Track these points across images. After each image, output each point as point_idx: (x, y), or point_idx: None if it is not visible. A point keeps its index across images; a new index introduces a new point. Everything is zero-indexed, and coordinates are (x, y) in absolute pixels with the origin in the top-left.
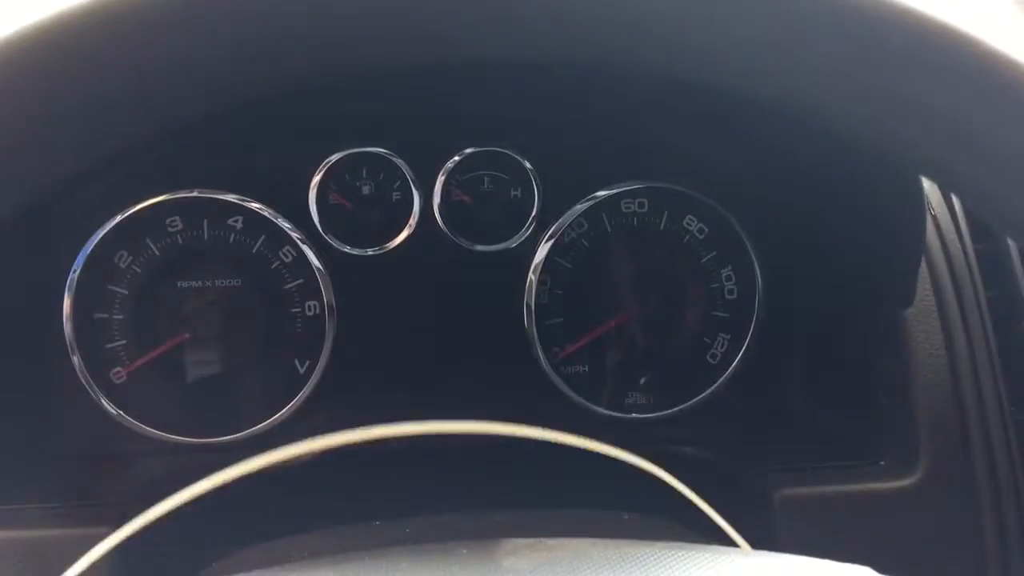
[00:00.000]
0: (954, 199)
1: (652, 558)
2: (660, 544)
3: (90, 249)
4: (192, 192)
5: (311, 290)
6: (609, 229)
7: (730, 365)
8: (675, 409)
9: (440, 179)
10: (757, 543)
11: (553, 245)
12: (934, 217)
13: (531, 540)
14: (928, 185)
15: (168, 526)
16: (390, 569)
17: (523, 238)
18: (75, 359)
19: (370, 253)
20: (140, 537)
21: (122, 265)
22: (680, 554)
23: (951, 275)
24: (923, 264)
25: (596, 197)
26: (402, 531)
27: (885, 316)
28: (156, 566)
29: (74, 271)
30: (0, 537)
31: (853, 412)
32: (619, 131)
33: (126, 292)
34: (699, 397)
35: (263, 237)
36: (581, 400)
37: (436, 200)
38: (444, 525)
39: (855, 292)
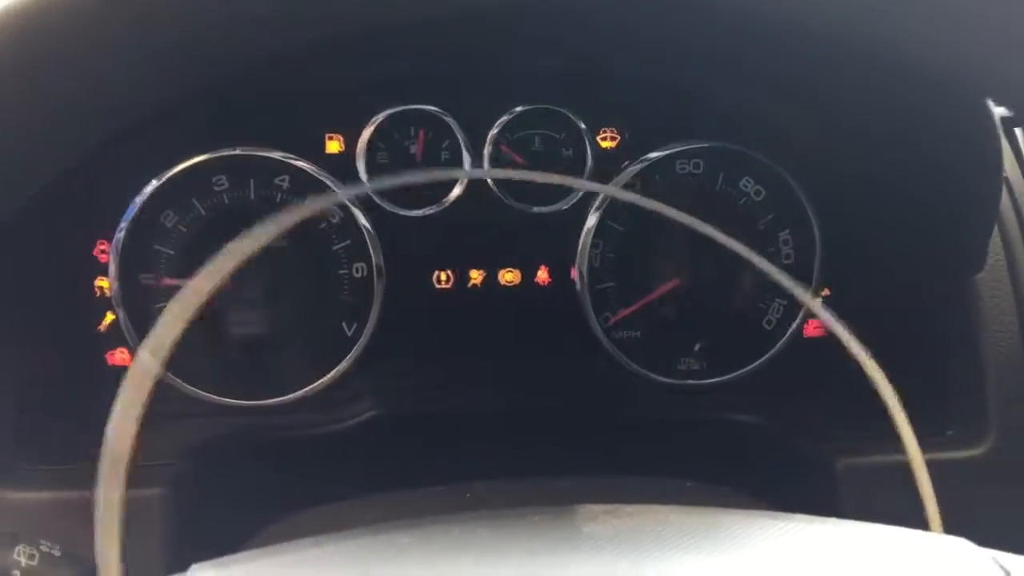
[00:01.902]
0: None
1: (738, 527)
2: (744, 512)
3: (136, 208)
4: (236, 150)
5: (359, 251)
6: (663, 191)
7: (786, 332)
8: (729, 376)
9: (490, 138)
10: (820, 512)
11: (606, 208)
12: (1006, 179)
13: (609, 506)
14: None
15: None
16: (465, 536)
17: (575, 200)
18: (121, 319)
19: (419, 214)
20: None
21: (168, 225)
22: (767, 522)
23: None
24: (995, 228)
25: (649, 158)
26: (463, 496)
27: (954, 281)
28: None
29: (120, 230)
30: (50, 497)
31: (919, 380)
32: (674, 89)
33: (172, 252)
34: (754, 364)
35: (310, 197)
36: (633, 366)
37: (486, 160)
38: (505, 492)
39: (922, 256)
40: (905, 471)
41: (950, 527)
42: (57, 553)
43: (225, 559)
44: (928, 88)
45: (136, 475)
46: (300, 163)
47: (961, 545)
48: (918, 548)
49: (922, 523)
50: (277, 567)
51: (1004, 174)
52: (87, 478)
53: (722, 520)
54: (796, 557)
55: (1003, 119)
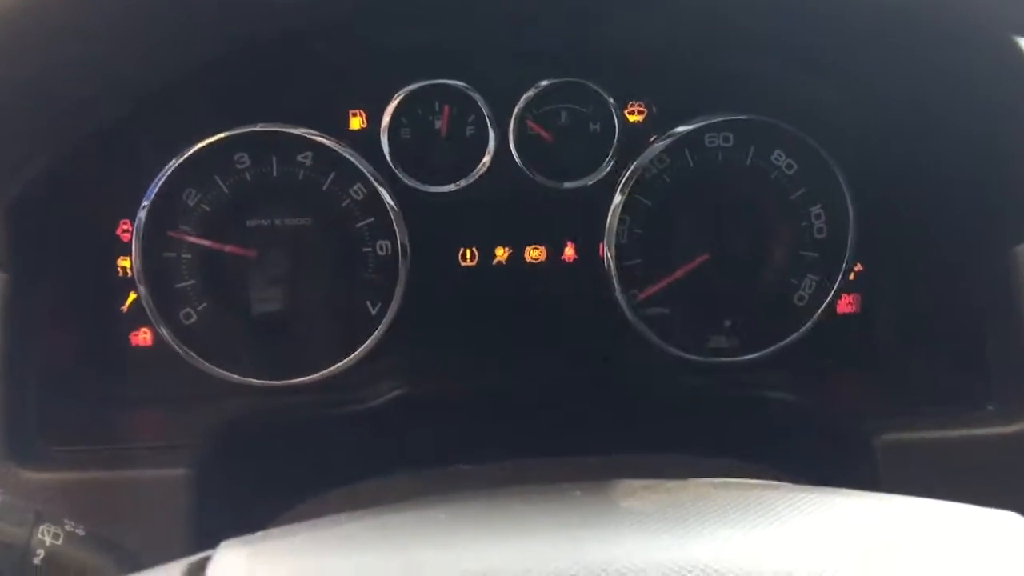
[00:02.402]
0: None
1: (782, 501)
2: (787, 487)
3: (158, 186)
4: (257, 126)
5: (383, 229)
6: (692, 165)
7: (819, 308)
8: (761, 353)
9: (516, 113)
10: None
11: (633, 182)
12: None
13: (649, 481)
14: None
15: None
16: (503, 511)
17: (602, 175)
18: (144, 299)
19: (444, 190)
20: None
21: (190, 203)
22: (812, 497)
23: None
24: None
25: (678, 132)
26: (494, 475)
27: (993, 254)
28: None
29: (142, 208)
30: (74, 478)
31: (957, 355)
32: (704, 61)
33: (195, 231)
34: (786, 341)
35: (333, 174)
36: (662, 343)
37: (512, 135)
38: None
39: (959, 228)
40: (943, 446)
41: (993, 502)
42: (81, 533)
43: (255, 536)
44: (965, 55)
45: (161, 455)
46: (323, 139)
47: (1014, 519)
48: (970, 522)
49: (962, 498)
50: (308, 543)
51: None
52: (110, 459)
53: (766, 495)
54: (845, 531)
55: None
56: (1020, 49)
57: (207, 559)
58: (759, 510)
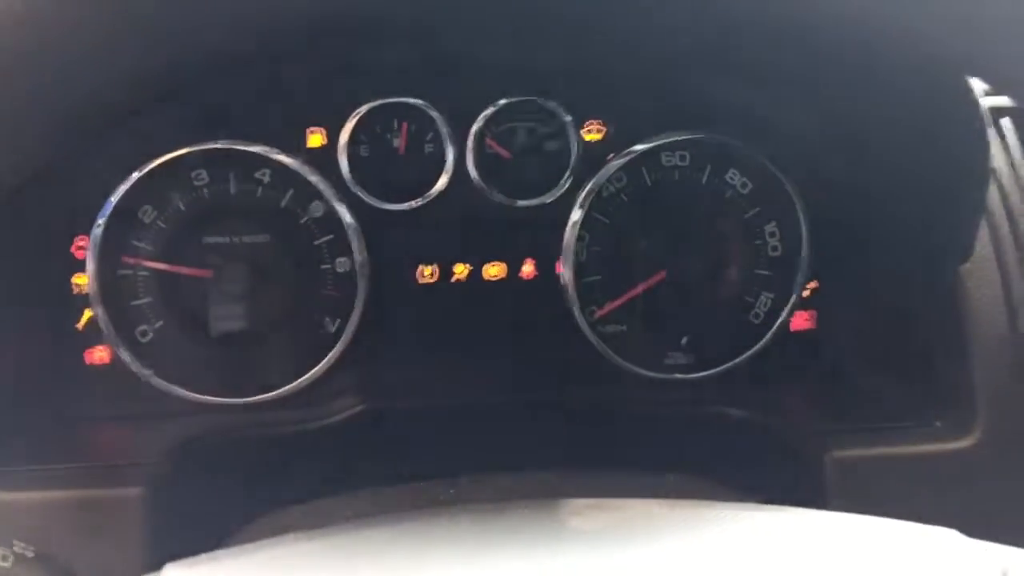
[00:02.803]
0: (1015, 151)
1: (727, 519)
2: (732, 505)
3: (114, 203)
4: (217, 143)
5: (341, 246)
6: (649, 183)
7: (773, 325)
8: (716, 370)
9: (474, 131)
10: (808, 504)
11: (591, 200)
12: (993, 170)
13: (594, 500)
14: None
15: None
16: (449, 530)
17: (560, 193)
18: (99, 317)
19: (402, 208)
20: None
21: (146, 220)
22: (755, 515)
23: (1012, 230)
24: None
25: (635, 150)
26: (446, 492)
27: (941, 272)
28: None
29: (98, 225)
30: (25, 498)
31: (906, 372)
32: (661, 81)
33: (151, 248)
34: (741, 358)
35: (291, 191)
36: (620, 360)
37: (470, 153)
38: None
39: (909, 247)
40: (892, 462)
41: (939, 518)
42: (30, 554)
43: (199, 557)
44: (915, 77)
45: (115, 474)
46: (281, 157)
47: (951, 536)
48: (909, 539)
49: (910, 513)
50: (252, 565)
51: (991, 164)
52: (63, 478)
53: (709, 513)
54: (785, 549)
55: (991, 109)
56: (969, 85)
57: None
58: (702, 529)
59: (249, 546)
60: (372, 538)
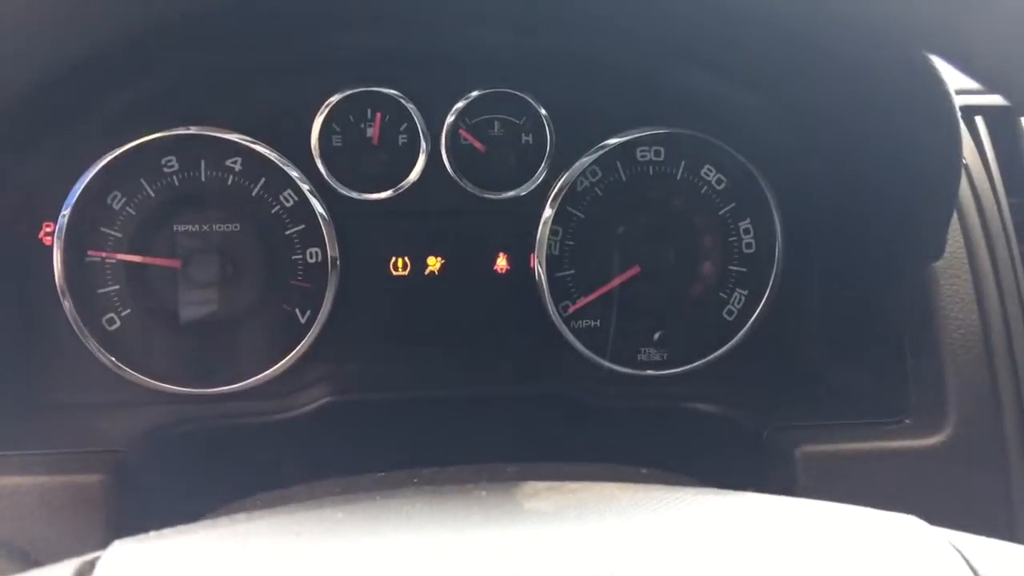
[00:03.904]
0: (988, 150)
1: (686, 502)
2: (692, 488)
3: (81, 188)
4: (189, 129)
5: (313, 236)
6: (624, 178)
7: (747, 322)
8: (689, 366)
9: (448, 122)
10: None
11: (565, 194)
12: (966, 167)
13: (552, 483)
14: None
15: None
16: (406, 510)
17: (534, 186)
18: (66, 304)
19: (375, 198)
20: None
21: (115, 206)
22: (717, 499)
23: (983, 229)
24: (954, 217)
25: (610, 144)
26: (410, 480)
27: (913, 269)
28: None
29: (64, 211)
30: None
31: (877, 368)
32: (636, 75)
33: (119, 235)
34: (714, 354)
35: (263, 180)
36: (592, 355)
37: (444, 144)
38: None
39: (881, 244)
40: (861, 458)
41: (906, 513)
42: None
43: (148, 535)
44: (889, 74)
45: (76, 461)
46: (253, 144)
47: (913, 523)
48: (870, 525)
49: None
50: (200, 541)
51: (964, 162)
52: (22, 465)
53: (668, 496)
54: (747, 531)
55: (963, 107)
56: (944, 84)
57: (97, 558)
58: (661, 511)
59: (197, 524)
60: (322, 517)
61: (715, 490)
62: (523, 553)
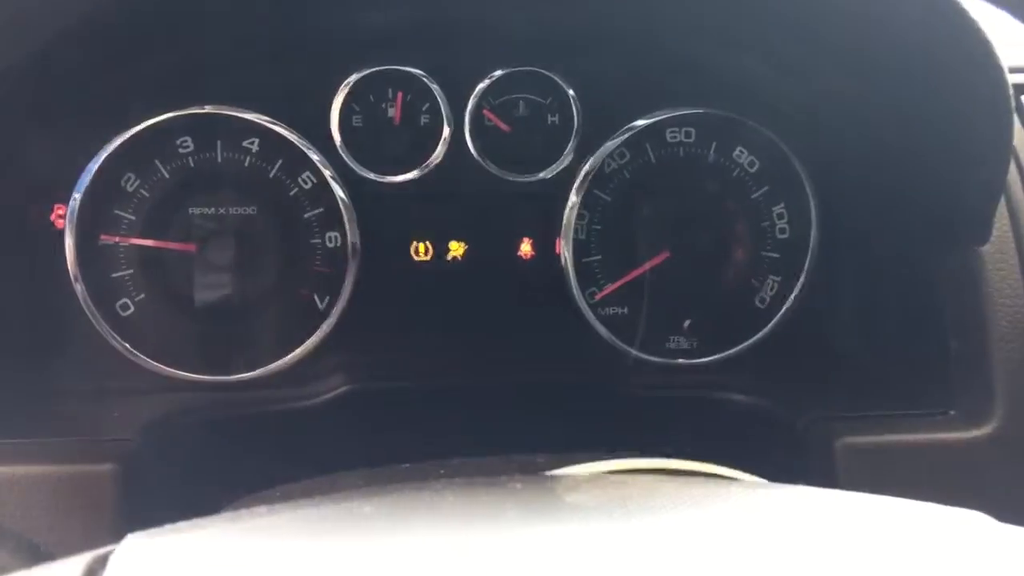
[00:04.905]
0: None
1: (739, 495)
2: (745, 481)
3: (93, 170)
4: (204, 108)
5: (332, 220)
6: (653, 160)
7: (780, 310)
8: (720, 355)
9: (472, 102)
10: None
11: (593, 177)
12: (1014, 151)
13: (592, 475)
14: None
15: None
16: (436, 504)
17: (560, 168)
18: (78, 289)
19: (396, 180)
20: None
21: (129, 188)
22: (772, 493)
23: None
24: (1002, 201)
25: (638, 125)
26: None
27: (957, 254)
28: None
29: (76, 193)
30: (6, 472)
31: (919, 358)
32: (668, 53)
33: (133, 218)
34: (746, 343)
35: (280, 161)
36: (620, 343)
37: (468, 125)
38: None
39: (925, 227)
40: (903, 451)
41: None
42: None
43: (161, 528)
44: (939, 49)
45: (87, 450)
46: (271, 124)
47: (981, 519)
48: (938, 522)
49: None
50: (218, 535)
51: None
52: (32, 453)
53: (720, 489)
54: (808, 528)
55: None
56: (996, 60)
57: (110, 552)
58: (717, 506)
59: (213, 517)
60: (351, 510)
61: (768, 483)
62: (569, 552)
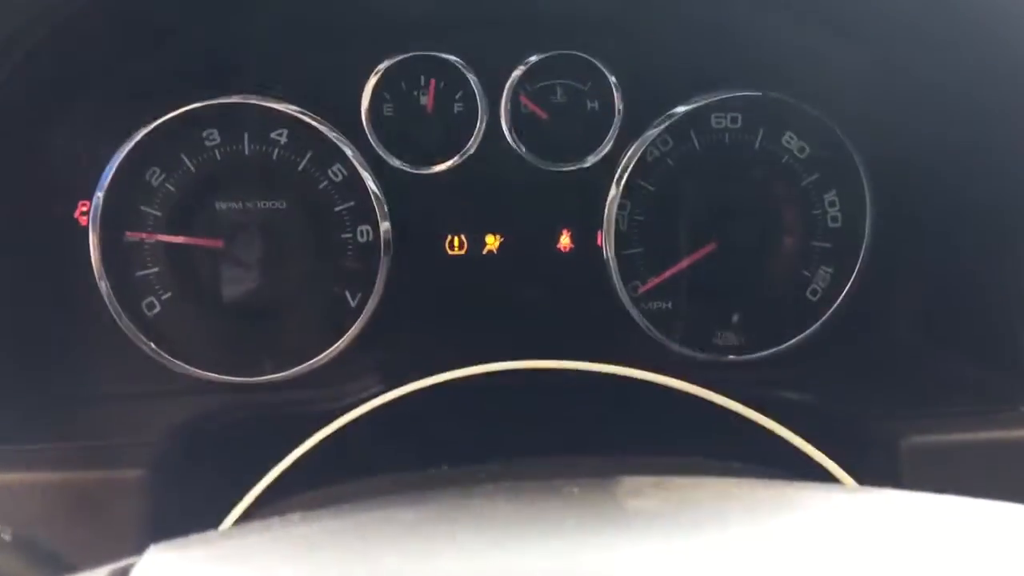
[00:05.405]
0: None
1: (806, 500)
2: (812, 485)
3: (117, 164)
4: (231, 98)
5: (363, 213)
6: (697, 147)
7: (833, 302)
8: (771, 351)
9: (508, 88)
10: None
11: (634, 165)
12: None
13: (655, 479)
14: None
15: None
16: (487, 512)
17: (600, 157)
18: (103, 287)
19: (430, 172)
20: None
21: (154, 183)
22: (835, 496)
23: None
24: None
25: (682, 111)
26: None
27: (1019, 245)
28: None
29: (100, 190)
30: (18, 479)
31: (986, 353)
32: (715, 30)
33: (158, 214)
34: (798, 337)
35: (310, 153)
36: (665, 339)
37: (504, 112)
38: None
39: (988, 216)
40: (972, 450)
41: None
42: (7, 537)
43: (186, 539)
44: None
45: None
46: (300, 115)
47: None
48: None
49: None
50: (246, 547)
51: None
52: (58, 459)
53: (788, 494)
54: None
55: None
56: None
57: (131, 565)
58: (787, 511)
59: (237, 528)
60: (389, 519)
61: (845, 487)
62: (638, 566)
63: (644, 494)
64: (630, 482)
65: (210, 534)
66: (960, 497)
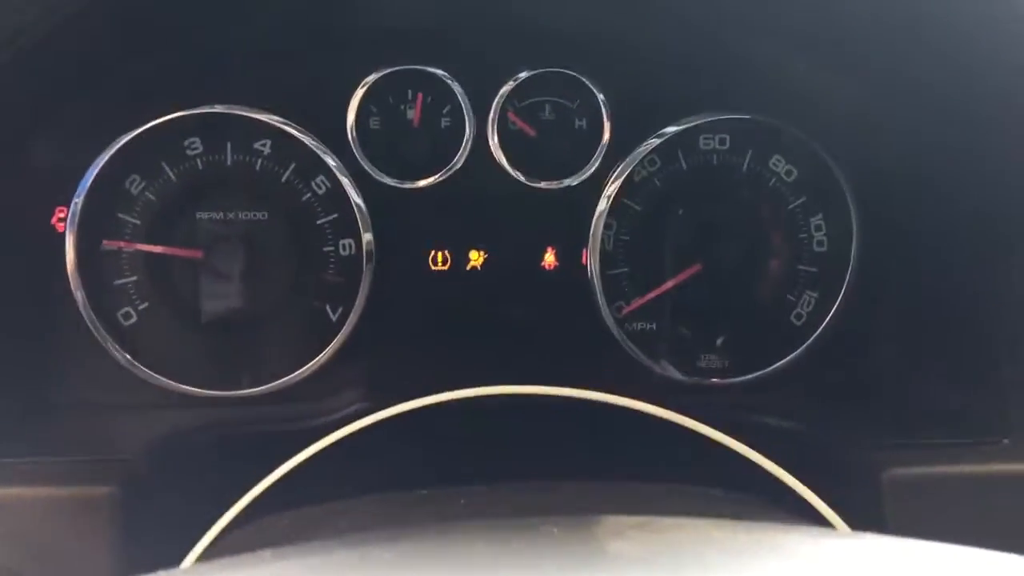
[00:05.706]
0: None
1: (793, 545)
2: (797, 528)
3: (96, 171)
4: (214, 108)
5: (346, 226)
6: (685, 168)
7: (817, 327)
8: (755, 375)
9: (496, 104)
10: (863, 526)
11: (621, 185)
12: None
13: (639, 519)
14: None
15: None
16: (465, 554)
17: (588, 175)
18: (78, 296)
19: (414, 186)
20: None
21: (133, 191)
22: (820, 542)
23: None
24: None
25: (670, 132)
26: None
27: (1010, 272)
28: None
29: (78, 196)
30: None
31: (970, 383)
32: (704, 53)
33: (137, 222)
34: (782, 362)
35: (294, 164)
36: (648, 361)
37: (491, 128)
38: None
39: (975, 243)
40: (956, 483)
41: (1007, 545)
42: None
43: (168, 573)
44: (992, 53)
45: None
46: (283, 126)
47: None
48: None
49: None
50: None
51: None
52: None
53: (774, 539)
54: None
55: None
56: None
57: None
58: (772, 558)
59: (225, 560)
60: (370, 557)
61: (833, 531)
62: None
63: (625, 536)
64: (611, 522)
65: (189, 568)
66: (948, 545)
